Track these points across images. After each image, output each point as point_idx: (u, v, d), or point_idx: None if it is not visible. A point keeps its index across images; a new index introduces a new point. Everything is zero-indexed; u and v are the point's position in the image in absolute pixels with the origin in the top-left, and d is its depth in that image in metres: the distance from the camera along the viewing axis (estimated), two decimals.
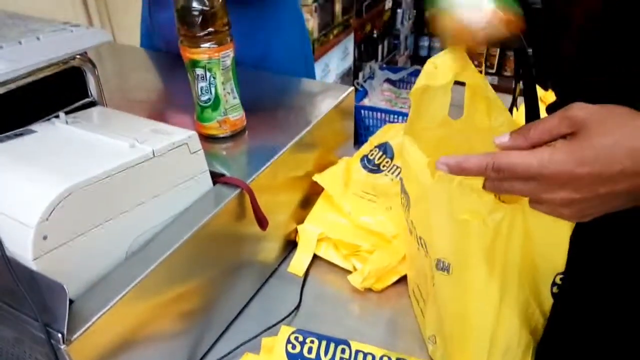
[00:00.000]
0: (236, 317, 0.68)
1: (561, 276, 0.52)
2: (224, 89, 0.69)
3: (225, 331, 0.67)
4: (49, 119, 0.60)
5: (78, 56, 0.61)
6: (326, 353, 0.61)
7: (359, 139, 2.01)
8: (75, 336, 0.44)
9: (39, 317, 0.43)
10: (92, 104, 0.66)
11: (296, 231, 0.78)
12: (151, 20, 1.07)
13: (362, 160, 0.85)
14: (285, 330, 0.63)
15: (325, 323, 0.67)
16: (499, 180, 0.41)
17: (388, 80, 2.58)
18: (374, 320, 0.68)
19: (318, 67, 2.07)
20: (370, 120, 2.29)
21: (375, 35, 2.64)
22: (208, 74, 0.68)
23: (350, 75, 2.45)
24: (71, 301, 0.47)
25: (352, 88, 0.86)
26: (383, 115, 2.26)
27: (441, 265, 0.53)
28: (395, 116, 2.23)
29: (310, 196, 0.80)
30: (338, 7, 2.15)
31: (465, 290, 0.53)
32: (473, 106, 0.62)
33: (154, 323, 0.54)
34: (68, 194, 0.45)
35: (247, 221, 0.65)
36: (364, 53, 2.56)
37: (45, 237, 0.45)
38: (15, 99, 0.56)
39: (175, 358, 0.59)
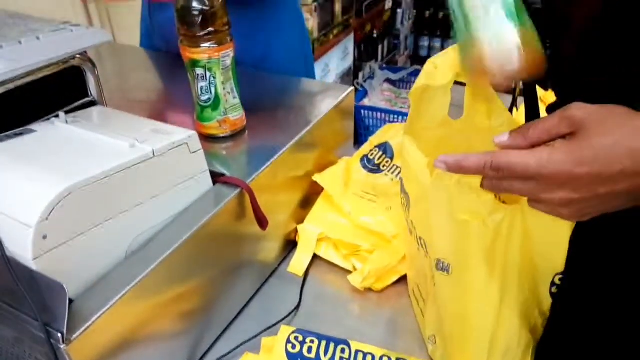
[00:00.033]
0: (236, 317, 0.68)
1: (560, 276, 0.52)
2: (224, 89, 0.69)
3: (225, 331, 0.67)
4: (48, 119, 0.60)
5: (78, 56, 0.61)
6: (326, 353, 0.61)
7: (359, 139, 2.00)
8: (75, 336, 0.44)
9: (39, 317, 0.43)
10: (92, 103, 0.66)
11: (296, 231, 0.78)
12: (151, 20, 1.07)
13: (362, 160, 0.85)
14: (285, 330, 0.63)
15: (325, 323, 0.67)
16: (498, 180, 0.41)
17: (388, 80, 2.57)
18: (373, 320, 0.68)
19: (318, 67, 2.07)
20: (370, 120, 2.28)
21: (375, 35, 2.64)
22: (208, 74, 0.68)
23: (350, 75, 2.45)
24: (71, 301, 0.47)
25: (352, 88, 0.86)
26: (383, 115, 2.25)
27: (441, 265, 0.53)
28: (395, 116, 2.23)
29: (310, 196, 0.80)
30: (338, 7, 2.14)
31: (465, 290, 0.53)
32: (473, 106, 0.62)
33: (154, 323, 0.54)
34: (68, 193, 0.45)
35: (247, 221, 0.65)
36: (364, 53, 2.56)
37: (45, 237, 0.45)
38: (15, 98, 0.56)
39: (175, 358, 0.59)
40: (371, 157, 0.85)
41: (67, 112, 0.61)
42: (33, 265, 0.44)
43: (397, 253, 0.71)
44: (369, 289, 0.72)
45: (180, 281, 0.56)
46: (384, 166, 0.84)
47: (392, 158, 0.84)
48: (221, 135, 0.73)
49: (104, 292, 0.48)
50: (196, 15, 0.64)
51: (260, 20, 0.99)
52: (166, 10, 1.01)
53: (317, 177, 0.79)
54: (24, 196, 0.47)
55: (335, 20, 2.15)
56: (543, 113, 0.58)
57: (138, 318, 0.51)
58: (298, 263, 0.76)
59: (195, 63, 0.67)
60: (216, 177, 0.63)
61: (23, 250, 0.44)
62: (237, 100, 0.72)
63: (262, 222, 0.66)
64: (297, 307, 0.70)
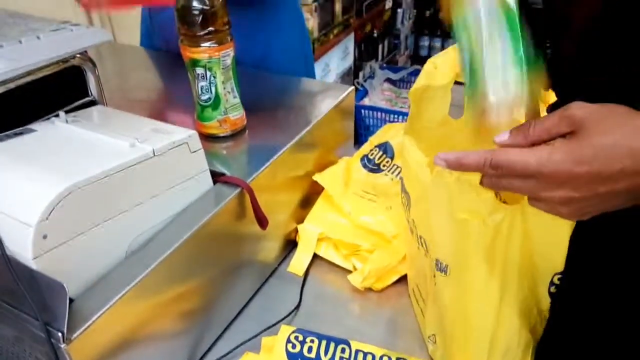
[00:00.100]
0: (236, 317, 0.68)
1: (559, 276, 0.52)
2: (224, 88, 0.69)
3: (225, 331, 0.67)
4: (49, 118, 0.60)
5: (78, 55, 0.62)
6: (326, 352, 0.61)
7: (359, 139, 2.00)
8: (75, 335, 0.44)
9: (39, 316, 0.43)
10: (92, 103, 0.66)
11: (296, 231, 0.78)
12: (151, 20, 1.07)
13: (362, 159, 0.85)
14: (285, 330, 0.63)
15: (325, 322, 0.67)
16: (497, 177, 0.41)
17: (388, 80, 2.58)
18: (374, 320, 0.68)
19: (318, 67, 2.06)
20: (371, 120, 2.28)
21: (375, 35, 2.64)
22: (208, 73, 0.68)
23: (351, 75, 2.45)
24: (71, 300, 0.47)
25: (352, 88, 0.86)
26: (383, 114, 2.25)
27: (439, 266, 0.53)
28: (396, 116, 2.23)
29: (311, 196, 0.80)
30: (338, 7, 2.14)
31: (466, 290, 0.53)
32: None
33: (154, 322, 0.54)
34: (68, 193, 0.45)
35: (247, 221, 0.65)
36: (364, 53, 2.56)
37: (45, 237, 0.45)
38: (15, 97, 0.56)
39: (175, 357, 0.59)
40: (371, 157, 0.85)
41: (67, 112, 0.61)
42: (33, 265, 0.44)
43: (397, 253, 0.71)
44: (369, 289, 0.72)
45: (181, 281, 0.56)
46: (384, 166, 0.84)
47: (392, 158, 0.84)
48: (221, 134, 0.73)
49: (104, 292, 0.48)
50: (196, 14, 0.64)
51: (260, 20, 0.99)
52: (166, 9, 1.01)
53: (317, 177, 0.79)
54: (24, 196, 0.47)
55: (335, 20, 2.15)
56: (543, 113, 0.58)
57: (138, 318, 0.51)
58: (298, 263, 0.76)
59: (195, 62, 0.67)
60: (216, 177, 0.63)
61: (23, 250, 0.44)
62: (238, 100, 0.72)
63: (262, 221, 0.66)
64: (297, 307, 0.70)
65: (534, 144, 0.40)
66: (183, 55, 0.68)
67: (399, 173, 0.82)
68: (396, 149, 0.85)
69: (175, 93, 0.92)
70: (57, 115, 0.59)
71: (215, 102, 0.70)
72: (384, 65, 2.71)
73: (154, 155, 0.53)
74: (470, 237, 0.49)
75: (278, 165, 0.69)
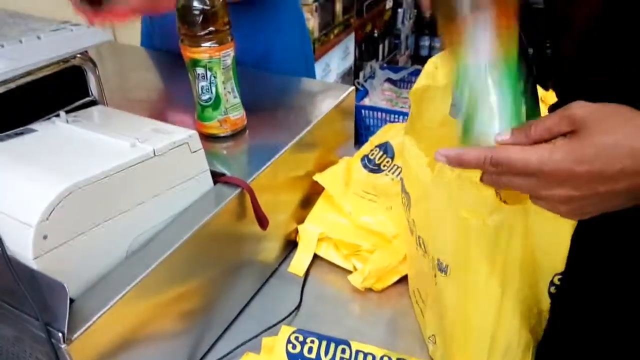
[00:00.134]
0: (236, 317, 0.68)
1: (559, 276, 0.52)
2: (224, 88, 0.69)
3: (225, 331, 0.67)
4: (49, 118, 0.60)
5: (79, 55, 0.61)
6: (326, 353, 0.61)
7: (360, 139, 2.00)
8: (75, 335, 0.44)
9: (40, 316, 0.43)
10: (93, 103, 0.66)
11: (296, 231, 0.78)
12: (151, 20, 1.07)
13: (362, 160, 0.85)
14: (285, 330, 0.63)
15: (325, 323, 0.67)
16: (497, 175, 0.41)
17: (389, 80, 2.58)
18: (374, 320, 0.68)
19: (319, 67, 2.06)
20: (371, 120, 2.28)
21: (376, 35, 2.64)
22: (209, 73, 0.68)
23: (351, 75, 2.45)
24: (72, 300, 0.47)
25: (352, 88, 0.86)
26: (384, 114, 2.25)
27: (439, 266, 0.53)
28: (396, 116, 2.23)
29: (311, 196, 0.80)
30: (339, 7, 2.14)
31: (466, 290, 0.53)
32: None
33: (155, 322, 0.54)
34: (68, 193, 0.45)
35: (248, 221, 0.65)
36: (365, 53, 2.56)
37: (45, 237, 0.45)
38: (16, 97, 0.56)
39: (175, 357, 0.59)
40: (372, 157, 0.85)
41: (67, 112, 0.61)
42: (34, 265, 0.44)
43: (397, 253, 0.71)
44: (370, 289, 0.72)
45: (181, 281, 0.56)
46: (384, 166, 0.84)
47: (392, 158, 0.84)
48: (222, 134, 0.73)
49: (104, 292, 0.48)
50: (197, 14, 0.64)
51: (260, 20, 0.99)
52: None
53: (317, 177, 0.79)
54: (24, 196, 0.47)
55: (335, 20, 2.15)
56: (544, 113, 0.58)
57: (138, 318, 0.51)
58: (298, 263, 0.76)
59: (195, 62, 0.67)
60: (217, 177, 0.63)
61: (24, 250, 0.44)
62: (238, 100, 0.72)
63: (263, 222, 0.66)
64: (298, 307, 0.70)
65: (535, 143, 0.40)
66: (183, 55, 0.68)
67: (399, 173, 0.82)
68: (396, 149, 0.85)
69: (175, 93, 0.92)
70: (58, 115, 0.60)
71: (216, 102, 0.70)
72: (385, 65, 2.71)
73: (155, 155, 0.53)
74: (471, 237, 0.49)
75: (278, 166, 0.69)
